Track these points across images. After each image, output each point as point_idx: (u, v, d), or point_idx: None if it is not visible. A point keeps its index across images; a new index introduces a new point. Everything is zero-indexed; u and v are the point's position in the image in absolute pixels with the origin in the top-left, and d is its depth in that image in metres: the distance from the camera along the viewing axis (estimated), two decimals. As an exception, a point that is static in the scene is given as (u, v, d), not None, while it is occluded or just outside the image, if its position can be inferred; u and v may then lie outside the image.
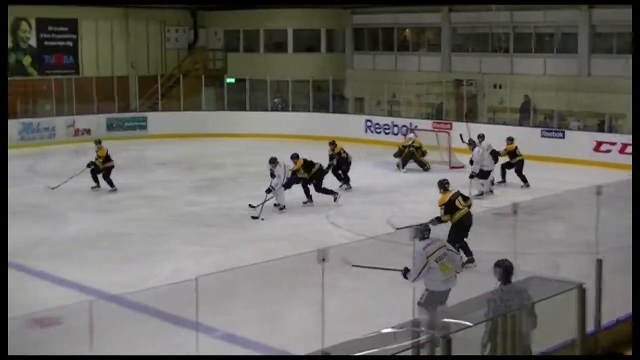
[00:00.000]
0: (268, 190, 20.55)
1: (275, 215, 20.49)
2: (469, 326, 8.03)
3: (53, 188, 23.19)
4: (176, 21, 41.03)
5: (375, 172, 27.05)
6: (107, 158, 23.72)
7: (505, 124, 31.55)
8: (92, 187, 23.53)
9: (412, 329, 8.23)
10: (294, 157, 21.87)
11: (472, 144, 23.69)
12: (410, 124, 31.60)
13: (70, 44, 37.52)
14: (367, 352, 7.66)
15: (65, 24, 37.28)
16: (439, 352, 7.58)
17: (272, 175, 20.91)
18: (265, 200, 20.31)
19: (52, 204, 21.87)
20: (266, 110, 36.50)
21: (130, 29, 39.20)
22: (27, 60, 36.30)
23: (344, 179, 23.69)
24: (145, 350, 11.04)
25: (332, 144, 23.95)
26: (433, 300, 11.42)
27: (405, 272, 11.43)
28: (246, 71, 37.16)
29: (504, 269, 8.96)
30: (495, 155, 23.60)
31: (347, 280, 13.26)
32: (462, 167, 26.54)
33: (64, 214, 20.98)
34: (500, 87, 33.09)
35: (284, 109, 36.80)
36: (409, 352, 7.83)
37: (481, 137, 24.12)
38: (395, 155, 27.37)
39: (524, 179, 24.09)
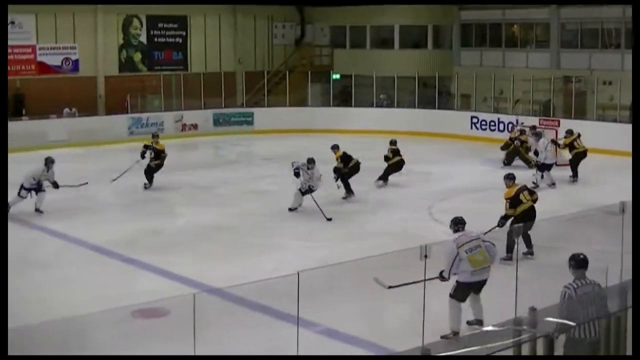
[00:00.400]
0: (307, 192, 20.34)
1: (379, 212, 20.48)
2: (572, 325, 7.90)
3: (113, 180, 23.21)
4: (283, 17, 41.38)
5: (480, 169, 26.77)
6: (162, 154, 23.35)
7: (615, 121, 30.90)
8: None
9: (514, 328, 8.14)
10: (334, 147, 22.22)
11: (538, 135, 23.75)
12: (517, 120, 31.17)
13: (179, 40, 38.20)
14: (468, 350, 7.61)
15: (175, 20, 37.95)
16: (540, 351, 7.48)
17: (297, 174, 20.37)
18: (316, 202, 19.95)
19: (162, 198, 22.26)
20: (372, 106, 36.45)
21: (238, 25, 39.66)
22: (137, 56, 37.08)
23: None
24: (245, 344, 11.16)
25: (391, 143, 23.92)
26: (462, 292, 11.47)
27: (441, 273, 11.40)
28: (352, 67, 37.18)
29: (577, 263, 8.93)
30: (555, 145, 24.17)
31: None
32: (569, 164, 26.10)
33: (172, 207, 21.38)
34: (610, 83, 32.33)
35: (390, 105, 36.70)
36: (510, 351, 7.75)
37: (533, 128, 25.12)
38: (502, 148, 27.09)
39: (574, 173, 24.14)
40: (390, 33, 39.20)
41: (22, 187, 19.73)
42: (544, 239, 15.46)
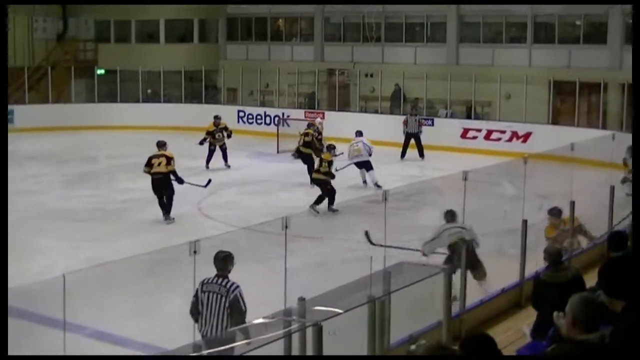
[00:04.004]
0: None
1: (147, 208, 20.22)
2: (339, 313, 8.11)
3: None
4: (45, 10, 39.93)
5: (249, 162, 27.05)
6: None
7: (377, 112, 32.04)
8: None
9: (284, 319, 8.27)
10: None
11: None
12: (283, 113, 31.69)
13: None
14: (237, 344, 7.67)
15: None
16: (309, 340, 7.64)
17: None
18: None
19: None
20: (138, 101, 35.98)
21: (-4, 19, 38.06)
22: None
23: None
24: (10, 352, 10.77)
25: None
26: None
27: None
28: (118, 62, 36.49)
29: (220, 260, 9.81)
30: None
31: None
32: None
33: None
34: (371, 76, 33.41)
35: (156, 100, 36.34)
36: (280, 342, 7.87)
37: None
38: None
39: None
40: (155, 27, 38.77)
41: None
42: (309, 231, 15.77)
